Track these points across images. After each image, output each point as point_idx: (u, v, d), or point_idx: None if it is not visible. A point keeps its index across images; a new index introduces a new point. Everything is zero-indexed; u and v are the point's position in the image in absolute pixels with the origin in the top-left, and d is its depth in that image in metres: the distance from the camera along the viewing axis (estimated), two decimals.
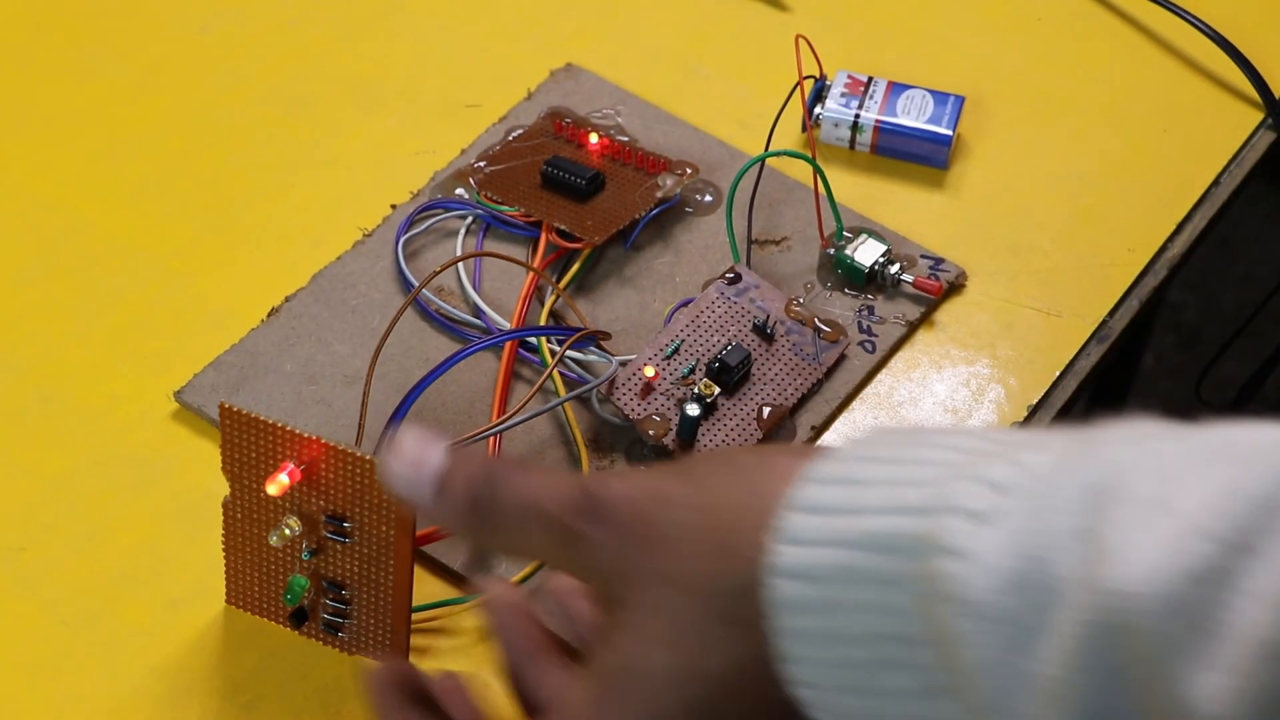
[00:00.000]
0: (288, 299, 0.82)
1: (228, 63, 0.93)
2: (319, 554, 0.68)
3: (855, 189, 0.88)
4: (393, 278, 0.83)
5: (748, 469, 0.50)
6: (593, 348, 0.79)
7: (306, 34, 0.95)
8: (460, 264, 0.82)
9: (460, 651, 0.71)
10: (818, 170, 0.83)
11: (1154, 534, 0.42)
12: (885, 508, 0.46)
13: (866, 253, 0.83)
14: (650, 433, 0.76)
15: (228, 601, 0.71)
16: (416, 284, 0.81)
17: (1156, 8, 0.96)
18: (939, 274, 0.84)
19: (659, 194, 0.85)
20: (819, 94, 0.89)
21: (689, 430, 0.75)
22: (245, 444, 0.66)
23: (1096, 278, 0.85)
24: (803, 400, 0.79)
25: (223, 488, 0.68)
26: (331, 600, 0.69)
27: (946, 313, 0.83)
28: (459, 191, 0.85)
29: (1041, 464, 0.45)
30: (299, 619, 0.69)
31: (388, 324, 0.75)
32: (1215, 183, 0.90)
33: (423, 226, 0.84)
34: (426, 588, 0.72)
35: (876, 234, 0.84)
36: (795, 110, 0.88)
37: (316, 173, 0.88)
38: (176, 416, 0.78)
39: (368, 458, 0.64)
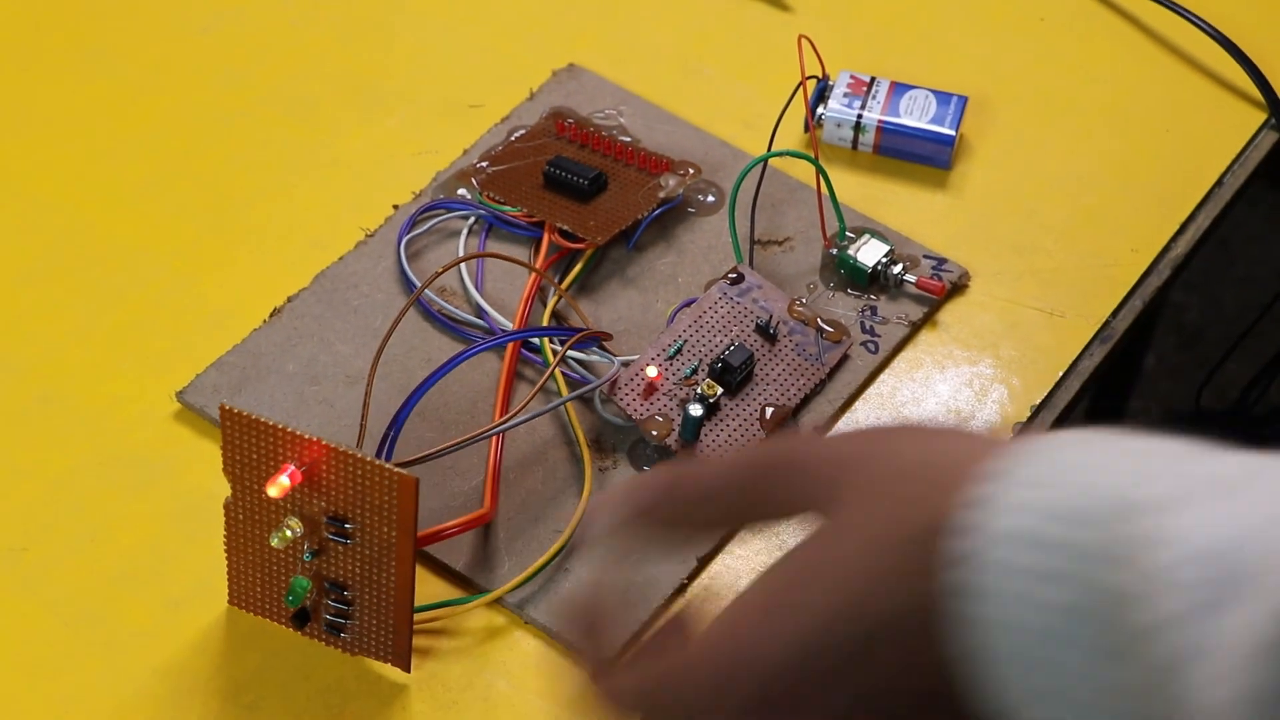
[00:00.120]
0: (290, 299, 0.82)
1: (230, 63, 0.93)
2: (321, 555, 0.68)
3: (858, 189, 0.88)
4: (395, 278, 0.82)
5: (944, 438, 0.50)
6: (595, 348, 0.79)
7: (309, 34, 0.94)
8: (462, 264, 0.82)
9: (463, 652, 0.71)
10: (820, 170, 0.83)
11: None
12: (1084, 485, 0.46)
13: (869, 253, 0.83)
14: (653, 433, 0.76)
15: (230, 602, 0.71)
16: (419, 284, 0.81)
17: (1159, 8, 0.96)
18: (942, 274, 0.84)
19: (661, 194, 0.84)
20: (822, 94, 0.89)
21: (692, 430, 0.75)
22: (246, 445, 0.66)
23: (1100, 278, 0.85)
24: (805, 400, 0.79)
25: (225, 488, 0.67)
26: (334, 601, 0.68)
27: (949, 313, 0.83)
28: (461, 192, 0.85)
29: (1248, 460, 0.46)
30: (301, 620, 0.69)
31: (390, 324, 0.75)
32: (1218, 183, 0.90)
33: (425, 227, 0.84)
34: (428, 588, 0.72)
35: (879, 234, 0.84)
36: (798, 110, 0.88)
37: (319, 173, 0.88)
38: (178, 417, 0.78)
39: (369, 459, 0.64)
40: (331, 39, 0.94)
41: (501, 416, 0.76)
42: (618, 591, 0.56)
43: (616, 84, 0.91)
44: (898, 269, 0.83)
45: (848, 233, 0.84)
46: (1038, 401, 0.80)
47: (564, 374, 0.78)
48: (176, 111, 0.90)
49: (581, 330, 0.78)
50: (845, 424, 0.79)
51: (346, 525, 0.66)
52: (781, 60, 0.90)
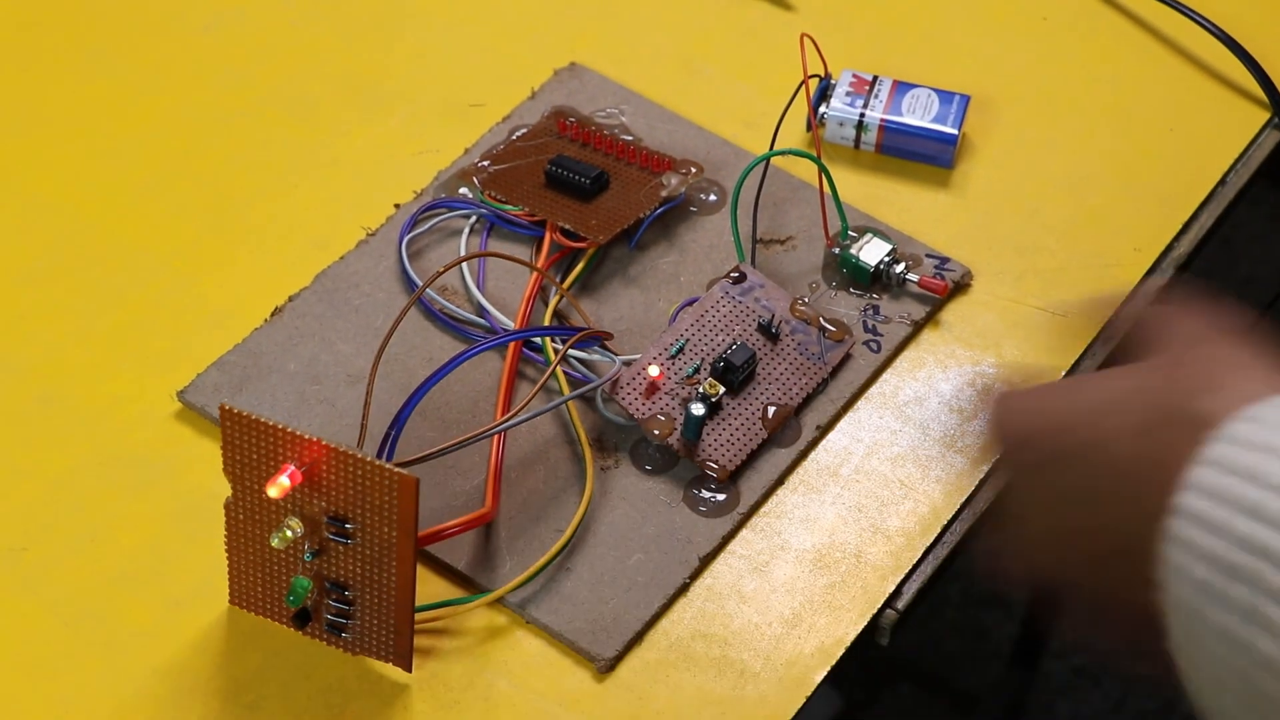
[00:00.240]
0: (291, 299, 0.81)
1: (231, 62, 0.93)
2: (321, 555, 0.67)
3: (860, 188, 0.87)
4: (396, 277, 0.82)
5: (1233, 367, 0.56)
6: (597, 347, 0.79)
7: (310, 33, 0.94)
8: (464, 263, 0.82)
9: (464, 652, 0.71)
10: (823, 169, 0.83)
11: None
12: None
13: (871, 252, 0.83)
14: (655, 432, 0.75)
15: (231, 602, 0.71)
16: (420, 283, 0.80)
17: (1163, 7, 0.96)
18: (944, 273, 0.83)
19: (663, 193, 0.84)
20: (824, 93, 0.89)
21: (694, 429, 0.75)
22: (246, 445, 0.66)
23: (1102, 277, 0.85)
24: (808, 400, 0.79)
25: (225, 488, 0.67)
26: (335, 601, 0.68)
27: (952, 312, 0.83)
28: (463, 191, 0.85)
29: None
30: (302, 620, 0.69)
31: (391, 324, 0.75)
32: (1221, 182, 0.90)
33: (426, 226, 0.84)
34: (429, 588, 0.72)
35: (882, 233, 0.84)
36: (800, 109, 0.88)
37: (320, 172, 0.88)
38: (179, 416, 0.78)
39: (369, 459, 0.64)
40: (332, 38, 0.94)
41: (503, 416, 0.76)
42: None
43: (618, 83, 0.91)
44: (900, 268, 0.83)
45: (850, 232, 0.84)
46: None
47: (565, 373, 0.78)
48: (178, 110, 0.90)
49: (583, 329, 0.78)
50: (848, 423, 0.79)
51: (347, 525, 0.66)
52: (784, 59, 0.90)
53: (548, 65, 0.92)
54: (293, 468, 0.65)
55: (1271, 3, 0.98)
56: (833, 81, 0.89)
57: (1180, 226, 0.88)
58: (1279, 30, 0.96)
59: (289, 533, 0.66)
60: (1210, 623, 0.49)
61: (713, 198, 0.86)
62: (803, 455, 0.77)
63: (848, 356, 0.80)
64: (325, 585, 0.68)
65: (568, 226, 0.82)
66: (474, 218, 0.84)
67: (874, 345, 0.81)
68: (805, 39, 0.87)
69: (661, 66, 0.93)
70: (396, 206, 0.85)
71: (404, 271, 0.82)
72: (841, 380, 0.80)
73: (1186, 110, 0.93)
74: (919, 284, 0.82)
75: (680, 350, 0.78)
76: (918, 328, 0.82)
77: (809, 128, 0.89)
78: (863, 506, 0.76)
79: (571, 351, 0.78)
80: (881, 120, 0.88)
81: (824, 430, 0.78)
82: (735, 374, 0.77)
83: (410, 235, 0.83)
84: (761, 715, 0.70)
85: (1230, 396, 0.53)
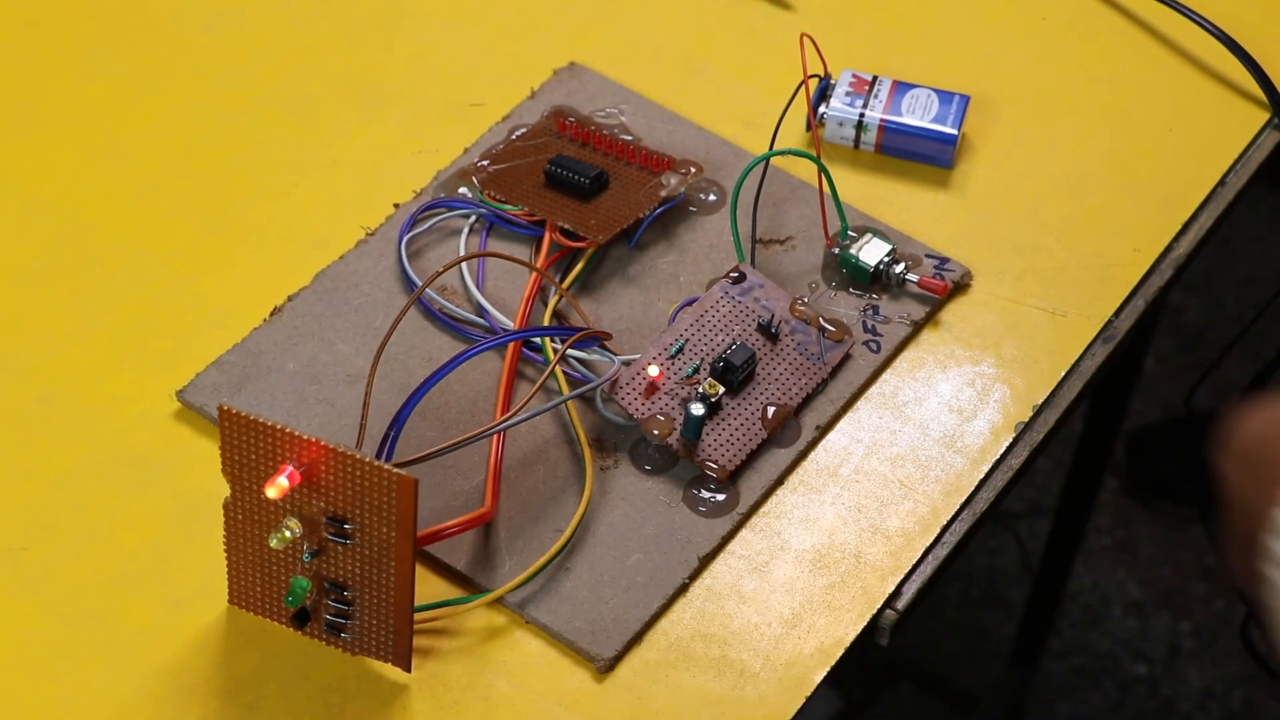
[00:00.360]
0: (290, 298, 0.81)
1: (231, 62, 0.93)
2: (320, 555, 0.67)
3: (860, 188, 0.87)
4: (396, 277, 0.82)
5: None
6: (596, 347, 0.79)
7: (310, 33, 0.94)
8: (463, 263, 0.82)
9: (464, 651, 0.71)
10: (822, 169, 0.83)
11: None
12: None
13: (871, 252, 0.83)
14: (654, 432, 0.75)
15: (230, 602, 0.71)
16: (420, 283, 0.80)
17: (1162, 7, 0.96)
18: (944, 273, 0.83)
19: (663, 193, 0.84)
20: (824, 93, 0.89)
21: (693, 430, 0.75)
22: (245, 446, 0.66)
23: (1102, 277, 0.85)
24: (807, 400, 0.79)
25: (225, 487, 0.67)
26: (334, 601, 0.68)
27: (951, 312, 0.83)
28: (462, 190, 0.85)
29: None
30: (301, 620, 0.69)
31: (391, 323, 0.75)
32: (1221, 182, 0.90)
33: (426, 225, 0.84)
34: (429, 588, 0.72)
35: (881, 233, 0.84)
36: (800, 109, 0.88)
37: (319, 172, 0.88)
38: (179, 416, 0.77)
39: (368, 459, 0.64)
40: (332, 39, 0.94)
41: (502, 416, 0.76)
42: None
43: (618, 83, 0.91)
44: (900, 268, 0.83)
45: (850, 232, 0.84)
46: (1040, 401, 0.80)
47: (565, 373, 0.78)
48: (177, 110, 0.90)
49: (582, 329, 0.78)
50: (848, 423, 0.79)
51: (346, 526, 0.66)
52: (783, 59, 0.90)
53: (547, 65, 0.92)
54: (291, 468, 0.65)
55: (1271, 3, 0.98)
56: (832, 81, 0.89)
57: (1180, 227, 0.88)
58: (1279, 30, 0.96)
59: (287, 533, 0.66)
60: None
61: (712, 198, 0.86)
62: (802, 455, 0.77)
63: (847, 357, 0.80)
64: (324, 585, 0.68)
65: (567, 226, 0.82)
66: (473, 217, 0.84)
67: (873, 345, 0.81)
68: (805, 39, 0.87)
69: (661, 66, 0.93)
70: (396, 206, 0.85)
71: (403, 271, 0.82)
72: (841, 380, 0.80)
73: (1186, 110, 0.93)
74: (919, 284, 0.82)
75: (680, 350, 0.78)
76: (917, 328, 0.82)
77: (809, 128, 0.89)
78: (862, 507, 0.76)
79: (571, 351, 0.78)
80: (881, 120, 0.88)
81: (824, 430, 0.78)
82: (735, 374, 0.77)
83: (410, 235, 0.83)
84: (761, 715, 0.70)
85: None
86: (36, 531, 0.74)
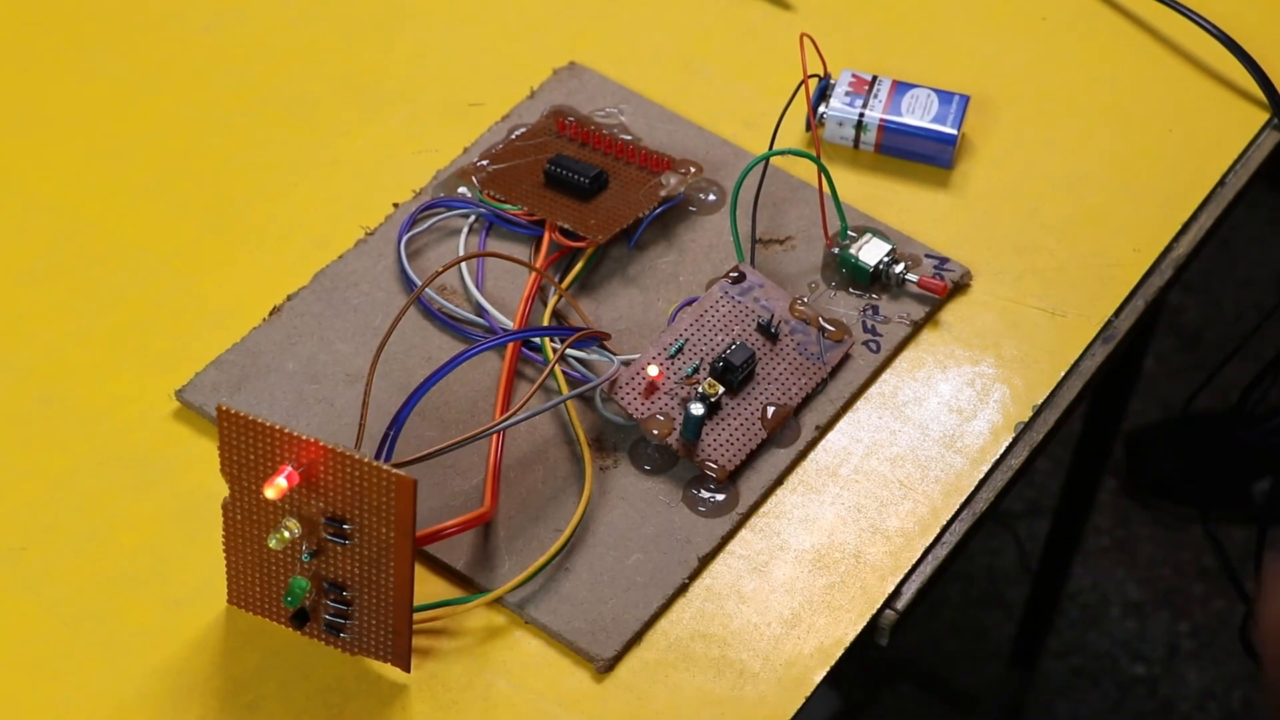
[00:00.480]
0: (290, 298, 0.81)
1: (231, 62, 0.93)
2: (320, 555, 0.67)
3: (860, 188, 0.87)
4: (395, 276, 0.82)
5: None
6: (595, 347, 0.79)
7: (310, 33, 0.94)
8: (463, 263, 0.82)
9: (463, 652, 0.71)
10: (822, 169, 0.83)
11: None
12: None
13: (871, 252, 0.83)
14: (654, 432, 0.75)
15: (229, 602, 0.71)
16: (419, 283, 0.80)
17: (1162, 7, 0.96)
18: (944, 273, 0.83)
19: (663, 193, 0.84)
20: (823, 93, 0.89)
21: (693, 430, 0.75)
22: (244, 446, 0.66)
23: (1102, 277, 0.85)
24: (807, 400, 0.79)
25: (225, 487, 0.67)
26: (333, 601, 0.68)
27: (951, 312, 0.83)
28: (461, 190, 0.85)
29: None
30: (300, 620, 0.69)
31: (390, 323, 0.75)
32: (1221, 183, 0.90)
33: (425, 225, 0.84)
34: (428, 588, 0.72)
35: (881, 233, 0.84)
36: (799, 109, 0.88)
37: (319, 171, 0.88)
38: (178, 416, 0.77)
39: (366, 460, 0.64)
40: (332, 38, 0.94)
41: (502, 415, 0.76)
42: None
43: (617, 82, 0.91)
44: (899, 268, 0.83)
45: (849, 232, 0.84)
46: (1040, 401, 0.80)
47: (564, 373, 0.78)
48: (177, 110, 0.90)
49: (582, 329, 0.78)
50: (848, 423, 0.79)
51: (345, 526, 0.66)
52: (783, 59, 0.90)
53: (547, 65, 0.92)
54: (290, 469, 0.65)
55: (1271, 3, 0.98)
56: (832, 81, 0.89)
57: (1179, 227, 0.88)
58: (1279, 30, 0.96)
59: (286, 534, 0.66)
60: None
61: (712, 197, 0.86)
62: (802, 455, 0.77)
63: (847, 356, 0.80)
64: (323, 585, 0.68)
65: (567, 226, 0.82)
66: (473, 217, 0.84)
67: (873, 345, 0.81)
68: (805, 39, 0.87)
69: (661, 66, 0.93)
70: (395, 206, 0.85)
71: (403, 271, 0.82)
72: (841, 380, 0.80)
73: (1186, 110, 0.93)
74: (918, 284, 0.82)
75: (679, 350, 0.78)
76: (917, 328, 0.82)
77: (808, 128, 0.89)
78: (862, 507, 0.76)
79: (570, 351, 0.78)
80: (881, 120, 0.88)
81: (823, 430, 0.78)
82: (734, 374, 0.77)
83: (409, 234, 0.83)
84: (761, 715, 0.70)
85: None
86: (36, 531, 0.74)
